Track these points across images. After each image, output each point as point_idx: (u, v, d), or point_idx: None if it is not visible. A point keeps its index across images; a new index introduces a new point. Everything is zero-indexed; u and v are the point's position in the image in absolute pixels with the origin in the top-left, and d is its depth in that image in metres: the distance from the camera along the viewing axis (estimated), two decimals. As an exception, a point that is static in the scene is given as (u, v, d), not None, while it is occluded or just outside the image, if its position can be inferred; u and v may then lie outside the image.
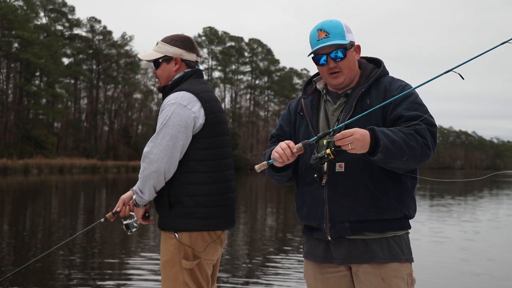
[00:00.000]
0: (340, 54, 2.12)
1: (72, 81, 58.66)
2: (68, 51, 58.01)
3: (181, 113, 2.42)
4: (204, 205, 2.46)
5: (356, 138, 1.89)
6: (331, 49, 2.12)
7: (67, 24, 58.33)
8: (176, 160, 2.43)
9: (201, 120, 2.47)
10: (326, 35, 2.11)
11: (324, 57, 2.13)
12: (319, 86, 2.27)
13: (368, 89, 2.14)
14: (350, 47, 2.14)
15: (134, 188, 2.52)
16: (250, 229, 11.16)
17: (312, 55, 2.18)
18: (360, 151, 1.91)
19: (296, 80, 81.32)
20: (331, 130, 2.05)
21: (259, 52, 78.30)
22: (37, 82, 52.59)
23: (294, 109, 2.31)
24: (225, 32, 75.89)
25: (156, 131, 2.45)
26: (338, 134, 1.91)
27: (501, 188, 32.75)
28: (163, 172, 2.40)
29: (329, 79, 2.18)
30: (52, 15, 56.79)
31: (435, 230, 10.86)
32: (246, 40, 77.63)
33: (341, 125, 2.02)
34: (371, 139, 1.91)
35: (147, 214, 2.61)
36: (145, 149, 2.44)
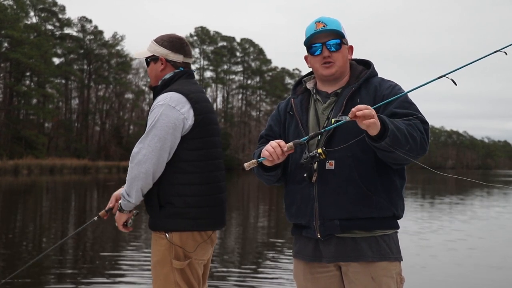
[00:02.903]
0: (335, 46, 2.15)
1: (63, 81, 58.32)
2: (59, 51, 57.67)
3: (169, 114, 2.42)
4: (194, 205, 2.46)
5: (373, 112, 1.84)
6: (327, 38, 2.14)
7: (57, 24, 57.98)
8: (163, 162, 2.42)
9: (190, 121, 2.46)
10: (324, 26, 2.14)
11: (319, 47, 2.15)
12: (309, 85, 2.28)
13: (358, 88, 2.15)
14: (345, 43, 2.18)
15: (121, 192, 2.50)
16: (242, 229, 11.15)
17: (307, 47, 2.19)
18: (374, 129, 1.85)
19: (288, 80, 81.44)
20: (322, 130, 2.05)
21: (251, 52, 78.34)
22: (27, 82, 52.23)
23: (283, 109, 2.31)
24: (216, 32, 75.87)
25: (145, 132, 2.44)
26: (358, 106, 1.83)
27: (492, 187, 32.98)
28: (151, 173, 2.40)
29: (321, 69, 2.18)
30: (43, 15, 56.41)
31: (425, 230, 10.91)
32: (238, 40, 77.71)
33: (332, 126, 2.01)
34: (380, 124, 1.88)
35: (130, 221, 2.58)
36: (134, 150, 2.44)
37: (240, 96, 79.47)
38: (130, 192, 2.44)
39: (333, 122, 2.01)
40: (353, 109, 1.86)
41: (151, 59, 2.62)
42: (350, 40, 2.25)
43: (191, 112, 2.47)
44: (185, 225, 2.45)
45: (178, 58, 2.63)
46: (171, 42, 2.63)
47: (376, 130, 1.87)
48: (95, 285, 5.67)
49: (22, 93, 48.68)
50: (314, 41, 2.16)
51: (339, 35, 2.16)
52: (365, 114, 1.83)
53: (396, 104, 2.05)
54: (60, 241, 3.11)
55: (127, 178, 2.44)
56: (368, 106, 1.86)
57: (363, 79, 2.16)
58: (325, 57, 2.15)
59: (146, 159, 2.38)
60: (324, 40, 2.15)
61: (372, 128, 1.86)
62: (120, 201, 2.52)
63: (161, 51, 2.60)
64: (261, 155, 2.09)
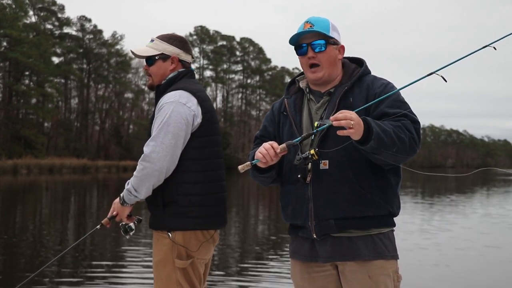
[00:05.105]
0: (320, 46, 2.14)
1: (62, 81, 58.32)
2: (58, 50, 57.68)
3: (181, 111, 2.41)
4: (198, 204, 2.45)
5: (355, 118, 1.87)
6: (312, 38, 2.14)
7: (56, 23, 58.01)
8: (177, 158, 2.42)
9: (199, 118, 2.47)
10: (311, 26, 2.15)
11: (305, 47, 2.15)
12: (302, 84, 2.28)
13: (351, 87, 2.15)
14: (332, 43, 2.16)
15: (127, 186, 2.47)
16: (242, 229, 11.14)
17: (294, 46, 2.19)
18: (355, 135, 1.89)
19: (287, 79, 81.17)
20: (315, 130, 2.05)
21: (250, 51, 78.38)
22: (26, 81, 52.22)
23: (277, 110, 2.32)
24: (216, 31, 75.91)
25: (156, 130, 2.42)
26: (337, 114, 1.88)
27: (492, 185, 33.02)
28: (165, 170, 2.39)
29: (308, 73, 2.20)
30: (42, 14, 56.41)
31: (423, 228, 10.91)
32: (238, 39, 77.73)
33: (324, 126, 2.00)
34: (364, 127, 1.90)
35: (130, 213, 2.58)
36: (146, 148, 2.41)
37: (240, 95, 79.55)
38: (139, 189, 2.41)
39: (316, 125, 2.03)
40: (332, 117, 1.89)
41: (160, 58, 2.59)
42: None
43: (200, 110, 2.48)
44: (189, 224, 2.44)
45: (188, 58, 2.65)
46: (181, 42, 2.63)
47: (358, 136, 1.89)
48: (95, 285, 5.66)
49: (21, 93, 48.67)
50: (300, 41, 2.17)
51: (325, 36, 2.15)
52: (340, 124, 1.87)
53: (387, 103, 2.05)
54: (60, 254, 3.10)
55: (136, 174, 2.41)
56: (349, 115, 1.87)
57: (355, 78, 2.16)
58: (310, 58, 2.15)
59: (160, 157, 2.37)
60: (310, 40, 2.15)
61: (352, 136, 1.89)
62: (123, 194, 2.48)
63: (172, 50, 2.59)
64: (255, 157, 2.09)
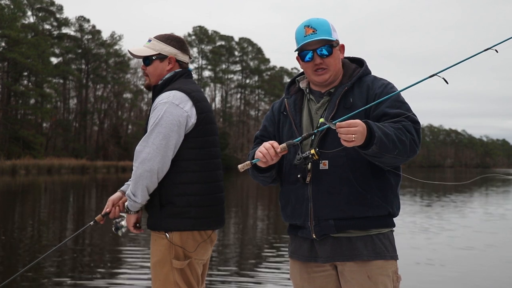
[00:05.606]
0: (326, 51, 2.13)
1: (61, 81, 58.26)
2: (57, 51, 57.60)
3: (173, 112, 2.41)
4: (196, 204, 2.46)
5: (359, 131, 1.86)
6: (318, 45, 2.13)
7: (55, 23, 57.95)
8: (169, 160, 2.41)
9: (193, 119, 2.46)
10: (313, 31, 2.12)
11: (310, 53, 2.14)
12: (302, 85, 2.27)
13: (351, 87, 2.15)
14: (336, 45, 2.17)
15: (127, 192, 2.49)
16: (241, 229, 11.14)
17: (298, 52, 2.18)
18: (356, 143, 1.88)
19: (286, 79, 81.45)
20: (315, 131, 2.05)
21: (249, 51, 78.39)
22: (25, 82, 52.15)
23: (277, 109, 2.32)
24: (215, 31, 75.91)
25: (149, 131, 2.43)
26: (343, 123, 1.86)
27: (491, 185, 33.07)
28: (156, 171, 2.38)
29: (313, 76, 2.18)
30: (40, 14, 56.35)
31: (422, 228, 10.91)
32: (236, 39, 77.73)
33: (325, 127, 2.00)
34: (366, 131, 1.89)
35: (138, 224, 2.58)
36: (137, 149, 2.42)
37: (238, 96, 79.54)
38: (136, 192, 2.42)
39: (320, 121, 2.03)
40: (339, 124, 1.87)
41: (157, 58, 2.59)
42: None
43: (194, 110, 2.47)
44: (186, 224, 2.44)
45: (185, 58, 2.64)
46: (179, 42, 2.63)
47: (360, 142, 1.88)
48: (92, 285, 5.65)
49: (20, 93, 48.59)
50: (304, 47, 2.15)
51: (329, 40, 2.14)
52: (342, 137, 1.86)
53: (387, 104, 2.05)
54: (55, 247, 3.09)
55: (131, 178, 2.44)
56: (352, 128, 1.84)
57: (355, 78, 2.16)
58: (316, 64, 2.14)
59: (151, 157, 2.37)
60: (315, 47, 2.13)
61: (358, 142, 1.87)
62: (126, 203, 2.50)
63: (170, 50, 2.59)
64: (255, 157, 2.09)
